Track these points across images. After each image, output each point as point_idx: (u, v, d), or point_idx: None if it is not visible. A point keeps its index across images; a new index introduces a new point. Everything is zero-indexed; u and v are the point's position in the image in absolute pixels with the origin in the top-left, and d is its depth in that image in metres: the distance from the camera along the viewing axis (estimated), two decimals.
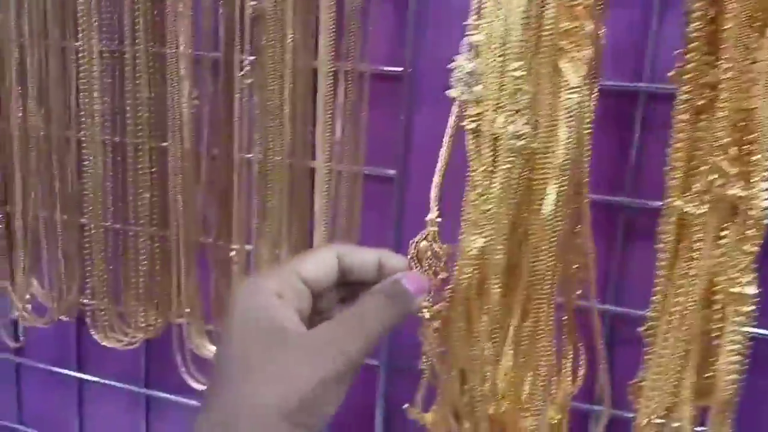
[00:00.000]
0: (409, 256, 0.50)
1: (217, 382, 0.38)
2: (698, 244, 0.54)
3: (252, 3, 0.66)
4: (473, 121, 0.48)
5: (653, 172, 0.65)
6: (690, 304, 0.55)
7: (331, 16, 0.66)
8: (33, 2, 0.77)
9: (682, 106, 0.56)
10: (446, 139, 0.49)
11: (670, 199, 0.58)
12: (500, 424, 0.55)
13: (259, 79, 0.69)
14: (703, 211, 0.50)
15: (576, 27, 0.46)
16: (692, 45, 0.55)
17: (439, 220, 0.50)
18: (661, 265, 0.60)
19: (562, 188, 0.47)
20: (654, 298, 0.61)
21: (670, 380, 0.57)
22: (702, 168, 0.52)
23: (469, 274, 0.50)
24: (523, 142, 0.47)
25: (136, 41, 0.73)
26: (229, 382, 0.37)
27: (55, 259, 0.83)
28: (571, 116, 0.46)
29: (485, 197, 0.49)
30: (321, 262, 0.43)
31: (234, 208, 0.73)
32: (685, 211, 0.51)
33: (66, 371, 0.97)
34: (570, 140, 0.46)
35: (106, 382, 0.95)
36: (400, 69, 0.74)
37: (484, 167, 0.48)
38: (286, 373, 0.37)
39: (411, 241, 0.49)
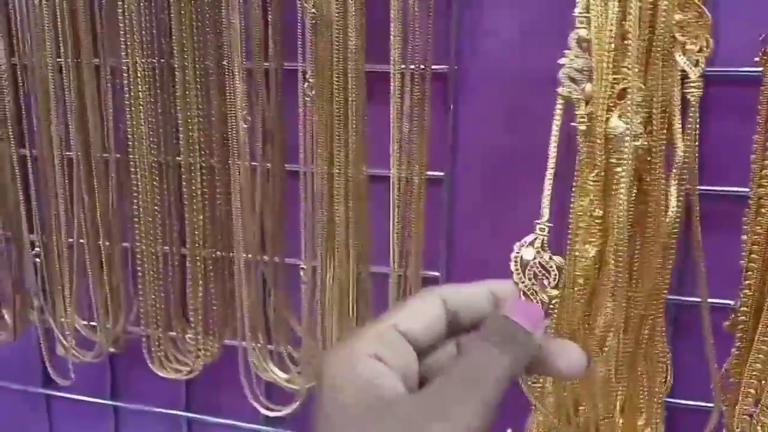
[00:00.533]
0: (511, 269, 0.46)
1: None
2: None
3: (312, 10, 0.63)
4: (584, 122, 0.46)
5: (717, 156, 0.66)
6: None
7: (399, 17, 0.63)
8: (65, 21, 0.73)
9: None
10: (553, 141, 0.47)
11: (762, 189, 0.57)
12: None
13: (321, 88, 0.66)
14: None
15: (690, 18, 0.44)
16: None
17: (550, 225, 0.47)
18: (753, 258, 0.59)
19: (681, 187, 0.46)
20: (745, 291, 0.60)
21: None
22: None
23: (582, 287, 0.48)
24: (639, 142, 0.45)
25: (185, 55, 0.70)
26: None
27: (100, 289, 0.79)
28: (690, 112, 0.44)
29: (597, 203, 0.47)
30: (424, 313, 0.35)
31: (302, 223, 0.70)
32: None
33: (101, 401, 0.93)
34: (689, 138, 0.44)
35: (146, 408, 0.92)
36: (445, 67, 0.72)
37: (597, 171, 0.46)
38: None
39: (514, 247, 0.45)
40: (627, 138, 0.44)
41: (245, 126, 0.70)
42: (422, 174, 0.71)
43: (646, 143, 0.46)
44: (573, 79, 0.46)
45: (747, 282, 0.60)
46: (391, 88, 0.65)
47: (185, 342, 0.77)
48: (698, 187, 0.64)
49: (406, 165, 0.69)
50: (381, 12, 0.66)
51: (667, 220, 0.46)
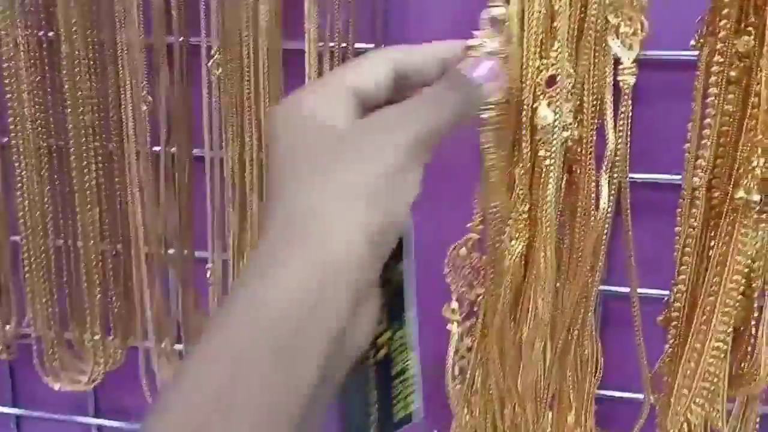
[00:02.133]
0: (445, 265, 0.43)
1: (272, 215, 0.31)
2: (737, 228, 0.50)
3: None
4: (498, 114, 0.40)
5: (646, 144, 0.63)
6: (729, 292, 0.51)
7: None
8: None
9: (712, 79, 0.52)
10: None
11: (697, 180, 0.55)
12: None
13: (228, 66, 0.59)
14: (756, 197, 0.46)
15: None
16: (725, 11, 0.51)
17: (480, 227, 0.44)
18: (687, 252, 0.56)
19: (613, 180, 0.42)
20: (679, 287, 0.57)
21: (706, 372, 0.54)
22: (743, 151, 0.48)
23: (508, 283, 0.44)
24: (568, 133, 0.40)
25: (73, 29, 0.61)
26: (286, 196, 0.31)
27: None
28: (623, 100, 0.40)
29: (523, 197, 0.43)
30: (371, 69, 0.35)
31: (209, 215, 0.63)
32: (737, 198, 0.47)
33: (1, 409, 0.85)
34: (622, 128, 0.40)
35: (51, 416, 0.84)
36: (372, 45, 0.67)
37: (522, 164, 0.42)
38: (348, 169, 0.31)
39: (451, 247, 0.42)
40: (556, 129, 0.39)
41: (145, 108, 0.63)
42: None
43: (576, 134, 0.41)
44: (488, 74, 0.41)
45: (680, 277, 0.57)
46: (306, 67, 0.59)
47: (83, 347, 0.70)
48: (631, 175, 0.61)
49: None
50: None
51: (599, 214, 0.42)
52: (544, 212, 0.41)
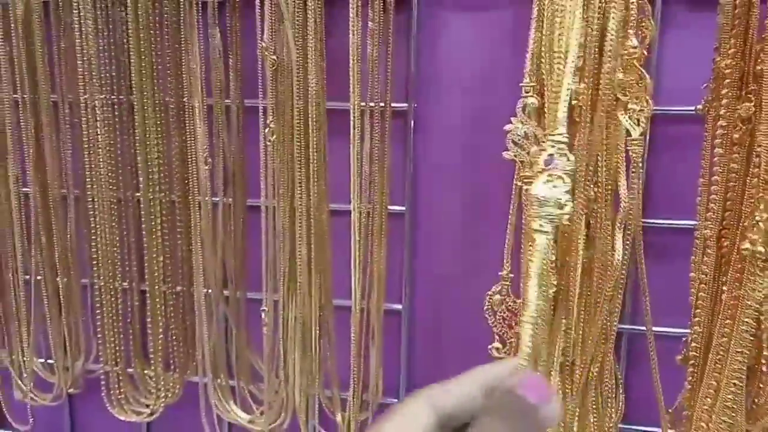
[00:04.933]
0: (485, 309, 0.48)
1: None
2: (750, 276, 0.55)
3: (272, 56, 0.64)
4: (526, 183, 0.48)
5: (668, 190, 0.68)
6: (741, 334, 0.56)
7: (358, 60, 0.64)
8: (22, 57, 0.72)
9: (717, 140, 0.58)
10: (514, 200, 0.48)
11: (708, 231, 0.60)
12: None
13: (282, 129, 0.67)
14: (761, 249, 0.51)
15: (631, 79, 0.46)
16: (727, 81, 0.57)
17: (511, 275, 0.49)
18: (702, 296, 0.61)
19: (627, 234, 0.47)
20: (695, 328, 0.62)
21: (726, 409, 0.58)
22: (747, 205, 0.54)
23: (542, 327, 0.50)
24: (560, 212, 0.45)
25: (144, 92, 0.70)
26: None
27: (58, 328, 0.78)
28: (632, 166, 0.46)
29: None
30: (413, 424, 0.33)
31: (264, 260, 0.70)
32: (743, 249, 0.52)
33: None
34: (633, 190, 0.46)
35: None
36: (404, 105, 0.74)
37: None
38: None
39: (486, 294, 0.48)
40: (551, 206, 0.44)
41: (206, 168, 0.70)
42: (383, 208, 0.72)
43: (592, 194, 0.47)
44: (517, 144, 0.47)
45: (696, 319, 0.62)
46: (351, 126, 0.66)
47: (145, 381, 0.76)
48: (652, 220, 0.66)
49: (367, 199, 0.70)
50: (341, 53, 0.67)
51: (614, 264, 0.47)
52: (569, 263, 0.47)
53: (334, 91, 0.69)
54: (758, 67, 0.54)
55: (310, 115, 0.65)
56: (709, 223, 0.59)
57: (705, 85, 0.59)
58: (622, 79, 0.45)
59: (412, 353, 0.80)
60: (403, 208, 0.76)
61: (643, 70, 0.45)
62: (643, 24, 0.47)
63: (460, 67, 0.74)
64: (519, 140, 0.47)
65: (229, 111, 0.72)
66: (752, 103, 0.54)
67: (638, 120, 0.45)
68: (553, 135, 0.41)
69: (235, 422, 0.75)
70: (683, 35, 0.66)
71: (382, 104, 0.70)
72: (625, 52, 0.45)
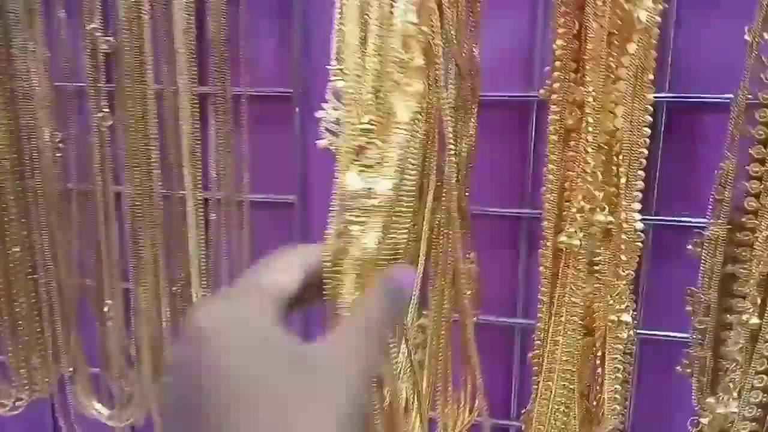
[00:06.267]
0: None
1: None
2: (573, 271, 0.51)
3: (106, 39, 0.61)
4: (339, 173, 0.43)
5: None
6: (569, 334, 0.53)
7: (189, 42, 0.61)
8: None
9: (551, 127, 0.54)
10: None
11: (545, 223, 0.56)
12: None
13: (122, 114, 0.64)
14: (576, 242, 0.48)
15: (407, 60, 0.42)
16: (558, 63, 0.53)
17: None
18: (542, 292, 0.58)
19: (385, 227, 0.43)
20: (538, 325, 0.59)
21: (559, 410, 0.55)
22: (573, 195, 0.50)
23: None
24: (375, 201, 0.42)
25: None
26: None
27: None
28: (400, 155, 0.42)
29: None
30: (286, 271, 0.35)
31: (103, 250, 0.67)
32: (560, 241, 0.49)
33: None
34: (402, 180, 0.42)
35: None
36: (290, 90, 0.70)
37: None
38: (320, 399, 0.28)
39: None
40: (361, 196, 0.41)
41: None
42: (233, 198, 0.69)
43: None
44: (331, 131, 0.44)
45: (539, 315, 0.58)
46: (183, 111, 0.63)
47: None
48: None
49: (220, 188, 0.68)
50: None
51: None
52: None
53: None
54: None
55: (147, 97, 0.62)
56: (547, 214, 0.56)
57: (546, 68, 0.55)
58: (402, 59, 0.42)
59: None
60: (293, 197, 0.73)
61: (418, 50, 0.41)
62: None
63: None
64: (332, 127, 0.44)
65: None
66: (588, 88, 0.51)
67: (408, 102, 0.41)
68: (361, 123, 0.38)
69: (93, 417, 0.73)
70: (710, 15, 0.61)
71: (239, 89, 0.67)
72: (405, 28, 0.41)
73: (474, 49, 0.53)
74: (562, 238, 0.49)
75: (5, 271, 0.72)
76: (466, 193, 0.55)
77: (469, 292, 0.54)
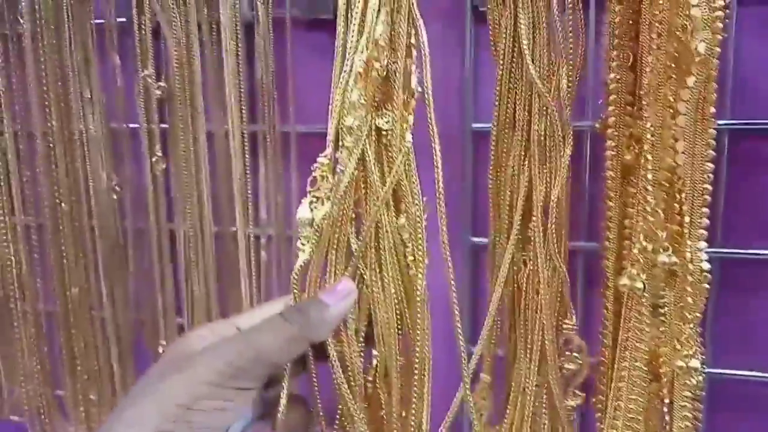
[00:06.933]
0: None
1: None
2: (636, 314, 0.49)
3: (159, 84, 0.63)
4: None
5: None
6: (636, 378, 0.50)
7: (237, 83, 0.62)
8: None
9: (609, 162, 0.52)
10: None
11: (606, 262, 0.54)
12: None
13: (175, 155, 0.65)
14: (639, 284, 0.45)
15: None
16: (612, 97, 0.51)
17: None
18: (604, 334, 0.55)
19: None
20: (602, 369, 0.56)
21: None
22: (635, 234, 0.48)
23: None
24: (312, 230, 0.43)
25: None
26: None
27: None
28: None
29: None
30: (263, 315, 0.40)
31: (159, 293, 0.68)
32: (621, 284, 0.46)
33: None
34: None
35: None
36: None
37: None
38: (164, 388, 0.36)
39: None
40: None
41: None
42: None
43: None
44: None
45: (603, 358, 0.56)
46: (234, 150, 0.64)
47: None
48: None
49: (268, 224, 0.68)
50: None
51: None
52: None
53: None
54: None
55: (198, 140, 0.63)
56: (608, 252, 0.53)
57: (600, 101, 0.53)
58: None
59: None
60: None
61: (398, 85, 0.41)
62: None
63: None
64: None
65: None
66: (646, 124, 0.48)
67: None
68: (321, 156, 0.40)
69: None
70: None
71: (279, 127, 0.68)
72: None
73: (563, 81, 0.51)
74: (624, 281, 0.47)
75: (65, 311, 0.74)
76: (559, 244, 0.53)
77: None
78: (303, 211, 0.40)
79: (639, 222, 0.47)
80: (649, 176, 0.47)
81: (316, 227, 0.40)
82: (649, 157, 0.46)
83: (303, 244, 0.41)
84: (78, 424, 0.77)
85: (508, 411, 0.56)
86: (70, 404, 0.77)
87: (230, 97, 0.63)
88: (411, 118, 0.42)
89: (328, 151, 0.41)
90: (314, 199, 0.40)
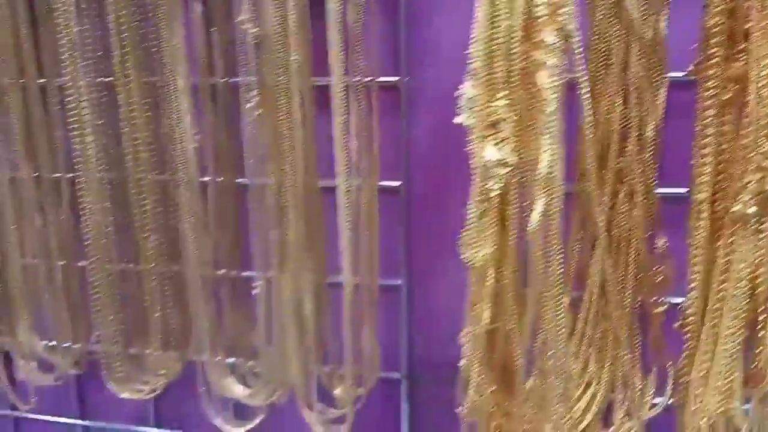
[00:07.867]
0: None
1: None
2: (737, 239, 0.54)
3: (252, 30, 0.63)
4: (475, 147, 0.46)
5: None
6: (735, 297, 0.55)
7: (339, 32, 0.63)
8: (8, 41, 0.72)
9: (708, 102, 0.56)
10: None
11: (701, 195, 0.58)
12: None
13: (267, 105, 0.66)
14: (752, 210, 0.50)
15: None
16: (714, 40, 0.55)
17: None
18: (697, 261, 0.60)
19: (550, 201, 0.46)
20: (691, 294, 0.61)
21: (721, 373, 0.57)
22: (739, 166, 0.52)
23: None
24: (506, 171, 0.45)
25: (127, 74, 0.69)
26: None
27: (58, 309, 0.78)
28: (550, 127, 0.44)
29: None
30: None
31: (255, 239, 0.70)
32: (733, 210, 0.51)
33: (70, 420, 0.93)
34: (553, 152, 0.44)
35: (115, 426, 0.92)
36: (396, 78, 0.73)
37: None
38: None
39: None
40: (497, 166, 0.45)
41: (194, 145, 0.70)
42: (373, 184, 0.71)
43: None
44: (469, 108, 0.46)
45: (692, 284, 0.61)
46: (334, 100, 0.65)
47: (145, 360, 0.77)
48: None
49: (356, 175, 0.70)
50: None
51: (529, 230, 0.46)
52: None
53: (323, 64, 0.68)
54: (747, 25, 0.52)
55: (293, 89, 0.64)
56: (703, 186, 0.58)
57: (694, 45, 0.57)
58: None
59: (412, 328, 0.79)
60: (399, 183, 0.76)
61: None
62: None
63: (453, 36, 0.72)
64: (469, 104, 0.46)
65: (215, 88, 0.71)
66: (742, 62, 0.53)
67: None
68: (497, 99, 0.40)
69: (233, 397, 0.76)
70: None
71: (368, 78, 0.69)
72: None
73: (660, 22, 0.54)
74: (737, 206, 0.52)
75: (140, 260, 0.75)
76: (652, 174, 0.57)
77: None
78: (491, 153, 0.42)
79: (748, 154, 0.52)
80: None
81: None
82: (764, 93, 0.50)
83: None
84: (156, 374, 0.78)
85: None
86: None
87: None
88: None
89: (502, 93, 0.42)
90: (498, 141, 0.42)
